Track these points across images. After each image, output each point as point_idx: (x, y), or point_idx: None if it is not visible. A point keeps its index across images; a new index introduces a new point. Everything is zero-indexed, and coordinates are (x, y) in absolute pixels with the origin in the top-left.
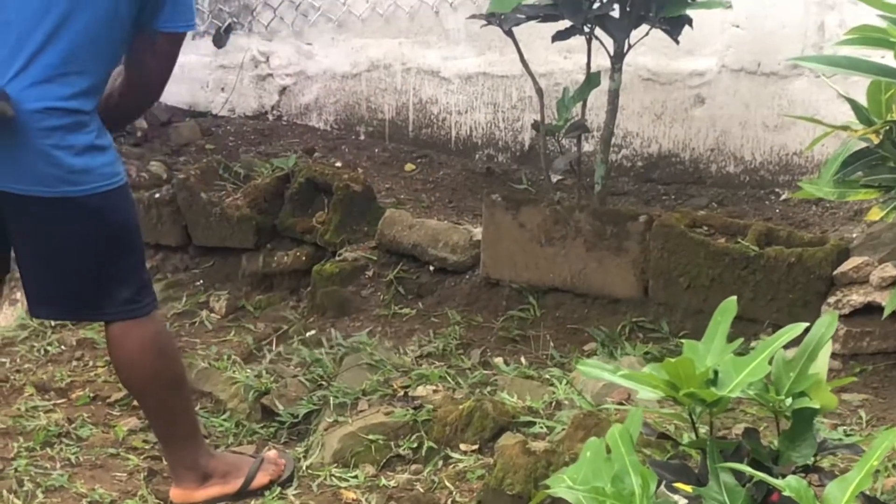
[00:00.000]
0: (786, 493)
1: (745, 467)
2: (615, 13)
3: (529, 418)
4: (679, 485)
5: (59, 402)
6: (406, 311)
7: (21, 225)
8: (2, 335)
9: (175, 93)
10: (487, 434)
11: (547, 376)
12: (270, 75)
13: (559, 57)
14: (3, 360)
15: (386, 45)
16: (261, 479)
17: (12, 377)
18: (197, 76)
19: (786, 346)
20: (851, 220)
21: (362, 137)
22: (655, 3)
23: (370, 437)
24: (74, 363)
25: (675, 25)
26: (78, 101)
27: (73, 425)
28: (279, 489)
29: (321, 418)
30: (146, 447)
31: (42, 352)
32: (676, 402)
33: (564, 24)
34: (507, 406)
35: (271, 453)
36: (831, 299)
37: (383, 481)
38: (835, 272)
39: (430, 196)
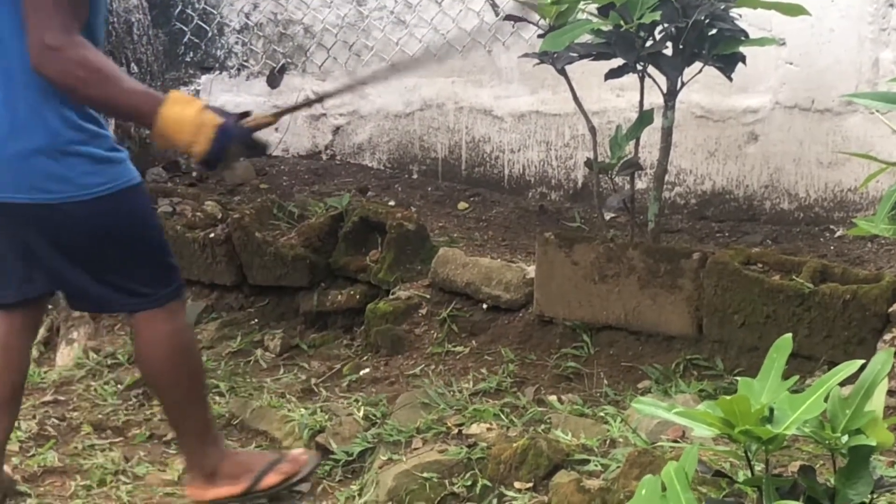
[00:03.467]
0: None
1: None
2: (668, 51)
3: (584, 456)
4: None
5: (115, 440)
6: (459, 349)
7: (23, 231)
8: (59, 374)
9: None
10: (542, 472)
11: (601, 414)
12: (324, 115)
13: (612, 95)
14: (61, 398)
15: (439, 83)
16: (271, 479)
17: (69, 416)
18: None
19: (841, 384)
20: None
21: (415, 176)
22: (708, 40)
23: (424, 475)
24: (131, 402)
25: (728, 63)
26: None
27: (130, 464)
28: None
29: (375, 456)
30: None
31: (98, 391)
32: (732, 439)
33: (617, 62)
34: (562, 444)
35: (297, 451)
36: (887, 336)
37: None
38: (890, 309)
39: (483, 234)
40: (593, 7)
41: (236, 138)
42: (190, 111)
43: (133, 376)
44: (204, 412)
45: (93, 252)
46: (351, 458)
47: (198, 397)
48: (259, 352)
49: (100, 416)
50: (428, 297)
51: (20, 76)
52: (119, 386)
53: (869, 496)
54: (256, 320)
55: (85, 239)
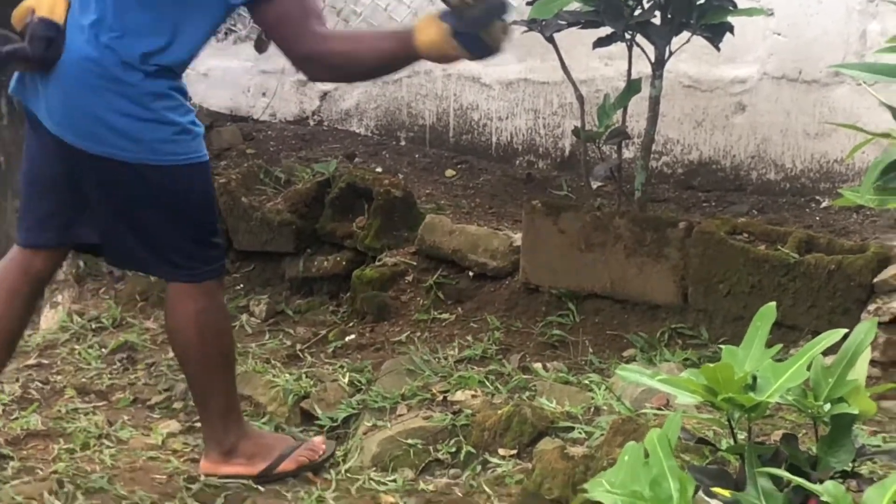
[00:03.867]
0: (823, 499)
1: (783, 472)
2: (656, 20)
3: (568, 423)
4: (717, 489)
5: (99, 404)
6: (445, 317)
7: (86, 178)
8: (44, 337)
9: (216, 98)
10: (526, 439)
11: (586, 382)
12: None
13: (600, 63)
14: (45, 361)
15: None
16: (288, 464)
17: (53, 379)
18: (238, 81)
19: (825, 353)
20: (893, 228)
21: (403, 143)
22: (697, 10)
23: (409, 441)
24: (115, 366)
25: (716, 32)
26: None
27: (113, 427)
28: (318, 492)
29: (360, 422)
30: (186, 450)
31: (82, 354)
32: (715, 407)
33: (606, 30)
34: (546, 411)
35: (317, 439)
36: (871, 307)
37: (421, 485)
38: (875, 280)
39: (471, 202)
40: None
41: (474, 26)
42: (434, 34)
43: (117, 340)
44: (230, 391)
45: (147, 216)
46: (335, 424)
47: (225, 376)
48: (244, 317)
49: (83, 379)
50: (414, 264)
51: (110, 34)
52: (103, 350)
53: (850, 464)
54: (242, 286)
55: (145, 202)
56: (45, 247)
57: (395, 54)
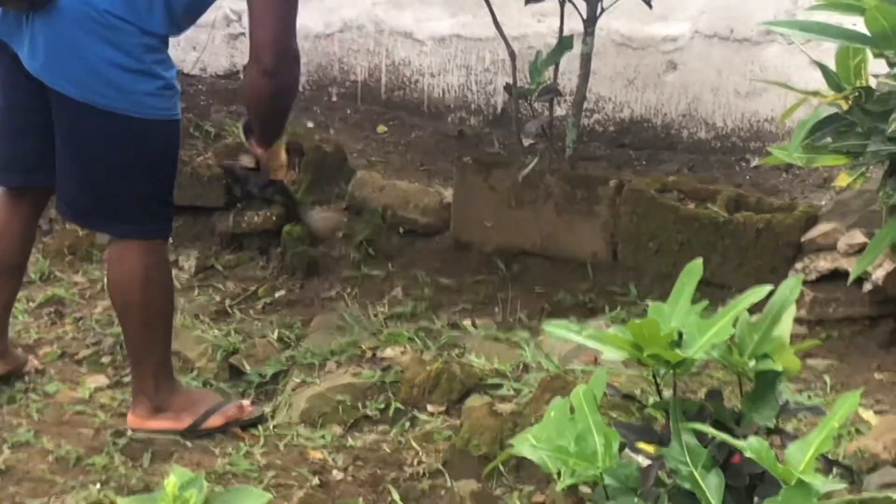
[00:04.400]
0: (747, 454)
1: (707, 428)
2: None
3: (497, 380)
4: (642, 445)
5: None
6: (375, 273)
7: (58, 121)
8: None
9: None
10: (455, 396)
11: (515, 339)
12: (243, 34)
13: (532, 20)
14: None
15: (360, 5)
16: (215, 420)
17: None
18: None
19: (751, 311)
20: (820, 187)
21: (334, 98)
22: None
23: (338, 397)
24: (43, 319)
25: None
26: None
27: (41, 381)
28: (246, 448)
29: (289, 378)
30: (114, 404)
31: None
32: (641, 363)
33: None
34: (475, 368)
35: (245, 402)
36: (799, 265)
37: (350, 441)
38: (803, 238)
39: (402, 158)
40: None
41: None
42: None
43: (45, 293)
44: (165, 350)
45: (113, 167)
46: (264, 380)
47: (162, 335)
48: (174, 272)
49: (11, 333)
50: (344, 220)
51: None
52: (31, 303)
53: (774, 420)
54: (171, 240)
55: (115, 152)
56: (16, 187)
57: None
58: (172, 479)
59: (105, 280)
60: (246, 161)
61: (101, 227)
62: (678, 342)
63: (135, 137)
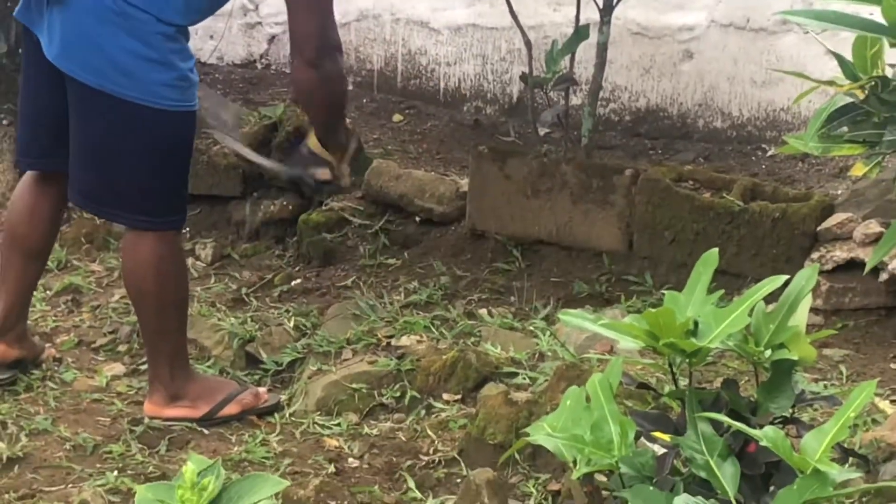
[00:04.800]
0: (763, 444)
1: (723, 417)
2: None
3: (512, 369)
4: (657, 434)
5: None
6: (391, 262)
7: (73, 108)
8: None
9: None
10: (470, 384)
11: (531, 328)
12: (259, 23)
13: (549, 9)
14: None
15: None
16: (231, 408)
17: None
18: None
19: (766, 300)
20: (836, 177)
21: (350, 87)
22: None
23: (354, 385)
24: (60, 308)
25: None
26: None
27: (58, 370)
28: (262, 436)
29: (305, 366)
30: (130, 392)
31: None
32: (657, 352)
33: None
34: (491, 357)
35: (261, 389)
36: (814, 255)
37: (366, 429)
38: (819, 228)
39: (418, 147)
40: None
41: None
42: None
43: (62, 282)
44: (180, 338)
45: (128, 156)
46: (280, 368)
47: (177, 322)
48: (190, 261)
49: (28, 321)
50: (361, 209)
51: None
52: (48, 292)
53: (790, 410)
54: (188, 229)
55: (130, 142)
56: (40, 170)
57: None
58: (190, 465)
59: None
60: (320, 174)
61: (114, 217)
62: (694, 331)
63: (147, 127)
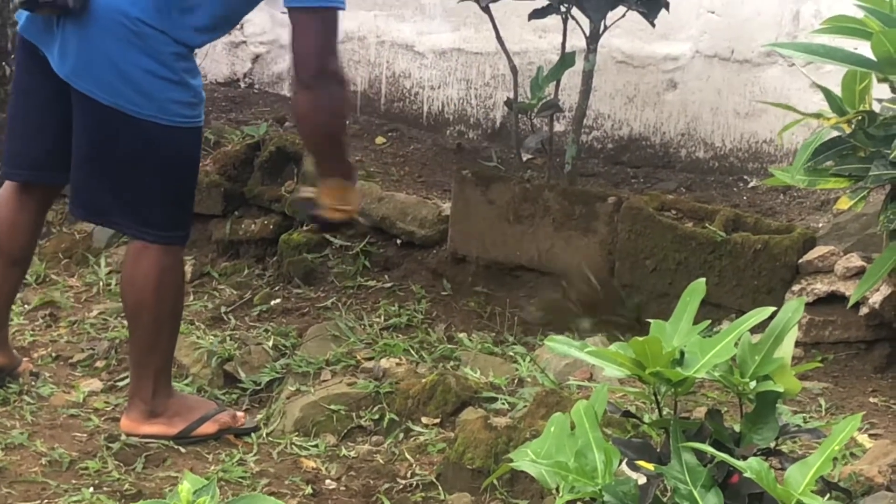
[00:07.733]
0: (746, 475)
1: (707, 447)
2: None
3: (492, 394)
4: (641, 463)
5: None
6: (372, 284)
7: (82, 125)
8: None
9: None
10: (449, 408)
11: (510, 353)
12: (244, 42)
13: (534, 36)
14: None
15: (361, 16)
16: (208, 427)
17: None
18: None
19: (751, 331)
20: (818, 209)
21: None
22: None
23: (332, 407)
24: (38, 322)
25: (651, 8)
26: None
27: (35, 384)
28: (239, 455)
29: (283, 387)
30: (107, 408)
31: None
32: (642, 380)
33: (541, 2)
34: (470, 381)
35: (239, 413)
36: (795, 287)
37: (343, 451)
38: (800, 260)
39: (400, 170)
40: None
41: None
42: None
43: (41, 296)
44: (168, 354)
45: (137, 172)
46: (258, 388)
47: (168, 338)
48: None
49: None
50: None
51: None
52: (26, 306)
53: (773, 441)
54: None
55: (140, 158)
56: (25, 181)
57: None
58: (186, 485)
59: (119, 278)
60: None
61: (121, 227)
62: (680, 361)
63: (160, 143)
